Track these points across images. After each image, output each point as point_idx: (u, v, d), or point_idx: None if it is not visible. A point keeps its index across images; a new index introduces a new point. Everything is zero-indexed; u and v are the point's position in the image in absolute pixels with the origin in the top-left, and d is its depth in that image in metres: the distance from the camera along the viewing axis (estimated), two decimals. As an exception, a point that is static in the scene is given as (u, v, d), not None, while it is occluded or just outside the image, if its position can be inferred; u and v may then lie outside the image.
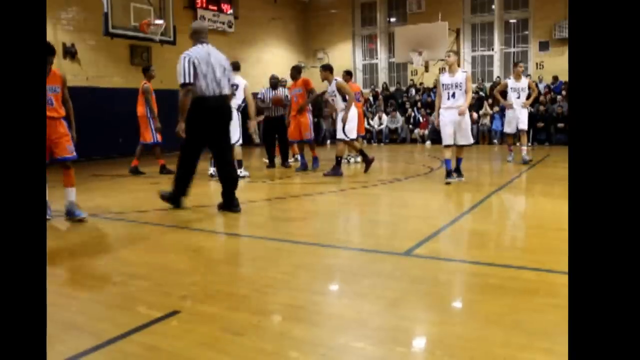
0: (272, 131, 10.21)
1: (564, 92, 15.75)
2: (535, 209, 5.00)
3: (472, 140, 7.51)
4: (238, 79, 8.35)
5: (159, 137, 9.34)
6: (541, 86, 16.85)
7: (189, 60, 5.16)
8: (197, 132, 5.29)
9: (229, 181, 5.41)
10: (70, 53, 13.34)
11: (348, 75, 11.04)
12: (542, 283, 3.04)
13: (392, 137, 17.54)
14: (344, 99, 8.39)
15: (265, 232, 4.64)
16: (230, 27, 18.22)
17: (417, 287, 3.04)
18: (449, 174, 7.21)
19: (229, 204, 5.41)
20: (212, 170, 8.43)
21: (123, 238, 4.65)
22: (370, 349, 2.23)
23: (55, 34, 13.06)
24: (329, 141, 16.72)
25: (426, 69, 18.37)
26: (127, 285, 3.17)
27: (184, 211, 5.75)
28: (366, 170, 8.73)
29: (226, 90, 5.42)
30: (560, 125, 14.76)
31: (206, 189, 7.50)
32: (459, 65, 7.53)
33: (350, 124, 8.39)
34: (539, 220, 4.87)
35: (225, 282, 3.31)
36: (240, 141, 8.54)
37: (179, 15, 15.64)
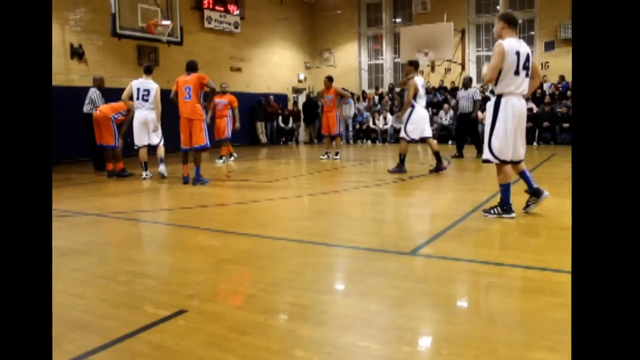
0: (463, 126, 11.94)
1: (569, 93, 15.70)
2: (541, 208, 4.99)
3: (403, 136, 8.54)
4: (150, 83, 8.66)
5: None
6: (546, 86, 16.80)
7: None
8: None
9: None
10: (77, 54, 13.41)
11: (329, 81, 11.80)
12: (547, 282, 3.04)
13: (397, 137, 17.52)
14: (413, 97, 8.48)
15: (271, 231, 4.66)
16: (236, 27, 18.28)
17: (422, 286, 3.05)
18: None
19: None
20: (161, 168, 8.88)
21: (129, 237, 4.68)
22: (375, 348, 2.24)
23: (63, 35, 13.14)
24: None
25: (432, 69, 18.36)
26: (134, 284, 3.19)
27: (190, 211, 5.79)
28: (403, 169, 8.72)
29: None
30: (566, 125, 14.73)
31: (213, 189, 7.53)
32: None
33: (411, 125, 8.47)
34: (544, 219, 4.86)
35: (232, 281, 3.33)
36: (162, 142, 8.93)
37: (186, 16, 15.71)
